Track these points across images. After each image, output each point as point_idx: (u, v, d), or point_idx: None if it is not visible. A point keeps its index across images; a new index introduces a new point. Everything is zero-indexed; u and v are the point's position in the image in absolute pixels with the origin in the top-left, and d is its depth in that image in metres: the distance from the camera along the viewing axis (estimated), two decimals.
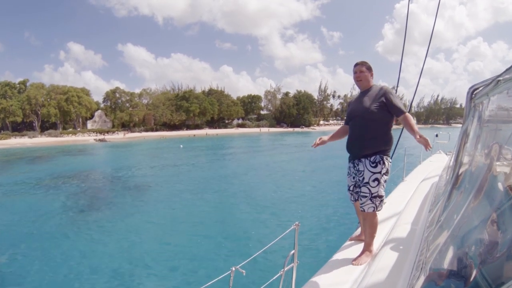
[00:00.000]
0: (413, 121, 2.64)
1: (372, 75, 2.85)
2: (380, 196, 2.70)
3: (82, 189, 14.18)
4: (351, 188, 2.92)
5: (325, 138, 3.02)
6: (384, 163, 2.70)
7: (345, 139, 2.97)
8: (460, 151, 2.51)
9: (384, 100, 2.67)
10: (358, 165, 2.77)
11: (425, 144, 2.45)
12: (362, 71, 2.82)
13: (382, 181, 2.69)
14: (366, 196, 2.69)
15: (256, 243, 6.98)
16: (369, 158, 2.69)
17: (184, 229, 8.24)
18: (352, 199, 2.96)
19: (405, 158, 6.40)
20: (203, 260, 6.34)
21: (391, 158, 2.82)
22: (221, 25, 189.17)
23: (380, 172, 2.68)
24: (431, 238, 1.79)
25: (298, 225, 2.50)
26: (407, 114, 2.67)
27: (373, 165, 2.68)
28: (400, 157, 6.78)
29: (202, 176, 16.50)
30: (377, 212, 2.74)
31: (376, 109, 2.67)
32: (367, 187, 2.68)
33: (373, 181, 2.67)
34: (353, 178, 2.86)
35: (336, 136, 3.09)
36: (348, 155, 2.94)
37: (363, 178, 2.71)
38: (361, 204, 2.73)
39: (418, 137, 2.47)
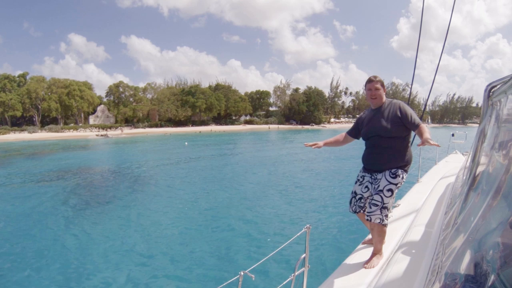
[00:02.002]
0: (427, 129, 2.58)
1: (385, 91, 2.87)
2: (388, 209, 2.72)
3: (79, 186, 14.13)
4: (357, 197, 2.93)
5: (321, 143, 3.02)
6: (402, 177, 2.76)
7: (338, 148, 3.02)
8: (477, 151, 2.48)
9: (400, 116, 2.72)
10: (377, 175, 2.82)
11: (430, 144, 2.40)
12: (377, 88, 2.82)
13: (394, 194, 2.73)
14: (377, 205, 2.69)
15: (266, 246, 6.94)
16: (390, 170, 2.76)
17: (189, 232, 8.12)
18: (352, 210, 2.96)
19: (420, 159, 6.38)
20: (211, 263, 6.27)
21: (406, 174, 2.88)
22: (229, 17, 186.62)
23: (396, 184, 2.73)
24: (447, 242, 1.77)
25: (309, 227, 2.52)
26: (421, 125, 2.65)
27: (392, 176, 2.74)
28: (415, 158, 7.43)
29: (208, 176, 16.32)
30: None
31: (393, 126, 2.73)
32: (380, 195, 2.70)
33: (388, 190, 2.70)
34: (366, 187, 2.89)
35: (334, 143, 3.14)
36: (360, 164, 3.01)
37: (378, 186, 2.75)
38: (369, 213, 2.71)
39: (421, 142, 2.47)
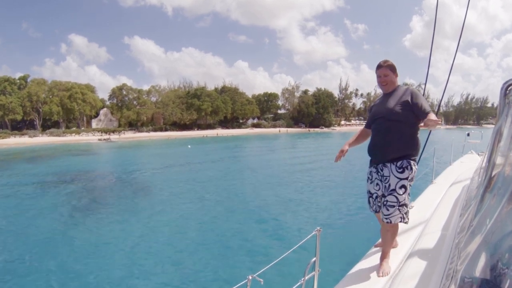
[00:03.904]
0: (434, 116, 2.49)
1: (396, 75, 2.78)
2: (406, 205, 2.62)
3: (78, 191, 14.18)
4: (373, 196, 2.79)
5: (346, 147, 2.94)
6: (411, 168, 2.62)
7: (366, 143, 2.96)
8: (493, 151, 2.38)
9: (409, 100, 2.61)
10: (382, 170, 2.68)
11: (433, 124, 2.38)
12: (386, 74, 2.75)
13: (408, 188, 2.63)
14: (393, 206, 2.59)
15: (275, 249, 6.91)
16: (395, 163, 2.62)
17: (195, 235, 8.09)
18: (373, 210, 2.82)
19: (434, 159, 6.34)
20: (218, 267, 6.27)
21: (417, 164, 2.78)
22: (236, 16, 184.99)
23: (407, 178, 2.60)
24: (463, 245, 1.74)
25: (319, 230, 2.51)
26: (431, 113, 2.53)
27: (399, 170, 2.60)
28: (429, 158, 6.76)
29: (215, 178, 16.34)
30: None
31: (401, 109, 2.61)
32: (394, 195, 2.59)
33: (400, 188, 2.59)
34: (377, 184, 2.75)
35: (357, 141, 3.07)
36: (368, 158, 2.88)
37: (389, 185, 2.62)
38: (388, 215, 2.60)
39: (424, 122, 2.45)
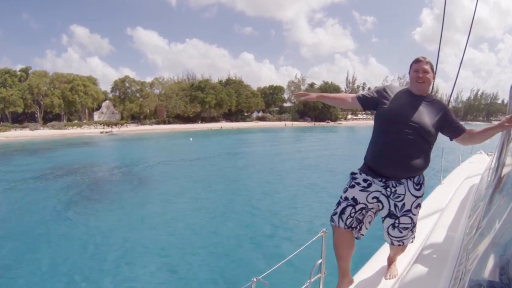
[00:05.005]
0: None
1: (434, 77, 2.39)
2: (416, 223, 2.36)
3: (78, 184, 14.44)
4: (357, 207, 2.27)
5: (315, 94, 2.54)
6: (424, 182, 2.35)
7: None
8: (502, 151, 2.38)
9: (443, 118, 2.27)
10: (395, 186, 2.26)
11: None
12: (427, 71, 2.30)
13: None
14: (407, 228, 2.30)
15: (280, 251, 6.89)
16: (412, 179, 2.27)
17: (199, 236, 8.02)
18: (345, 224, 2.28)
19: (442, 159, 6.35)
20: (222, 269, 6.30)
21: None
22: (241, 7, 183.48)
23: (422, 196, 2.32)
24: (471, 247, 1.73)
25: (326, 232, 2.49)
26: (469, 129, 2.33)
27: (417, 187, 2.28)
28: (437, 159, 6.63)
29: (219, 176, 16.16)
30: None
31: (435, 130, 2.25)
32: (409, 217, 2.28)
33: (416, 207, 2.29)
34: (375, 198, 2.28)
35: (333, 99, 2.59)
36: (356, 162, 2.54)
37: (403, 205, 2.26)
38: (400, 238, 2.32)
39: (505, 125, 2.09)
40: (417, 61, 2.32)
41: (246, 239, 7.68)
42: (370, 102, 2.40)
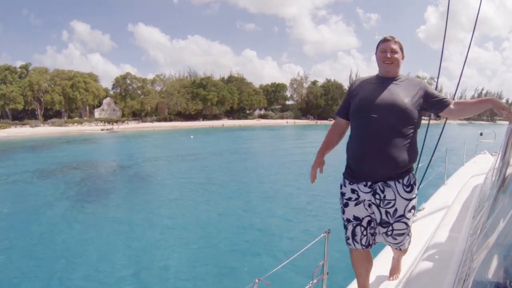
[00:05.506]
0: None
1: (403, 58, 2.18)
2: (411, 225, 2.22)
3: (81, 182, 14.48)
4: (364, 222, 2.14)
5: (321, 158, 2.28)
6: (415, 181, 2.15)
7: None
8: (507, 150, 2.32)
9: (423, 94, 2.07)
10: (383, 191, 2.05)
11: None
12: (395, 51, 2.13)
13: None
14: (402, 234, 2.15)
15: (282, 251, 6.83)
16: (401, 181, 2.06)
17: (200, 236, 7.94)
18: (362, 244, 2.17)
19: (446, 159, 6.31)
20: (223, 270, 6.29)
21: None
22: (244, 4, 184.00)
23: (415, 197, 2.14)
24: (475, 248, 1.70)
25: (328, 232, 2.47)
26: (455, 100, 2.14)
27: (408, 189, 2.08)
28: (441, 159, 6.76)
29: (220, 175, 15.95)
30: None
31: (415, 107, 2.03)
32: (403, 222, 2.10)
33: (409, 211, 2.10)
34: (369, 206, 2.10)
35: (331, 143, 2.32)
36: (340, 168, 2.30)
37: (395, 210, 2.07)
38: (397, 244, 2.19)
39: (504, 113, 1.87)
40: (384, 40, 2.16)
41: (247, 239, 7.69)
42: (348, 107, 2.22)
